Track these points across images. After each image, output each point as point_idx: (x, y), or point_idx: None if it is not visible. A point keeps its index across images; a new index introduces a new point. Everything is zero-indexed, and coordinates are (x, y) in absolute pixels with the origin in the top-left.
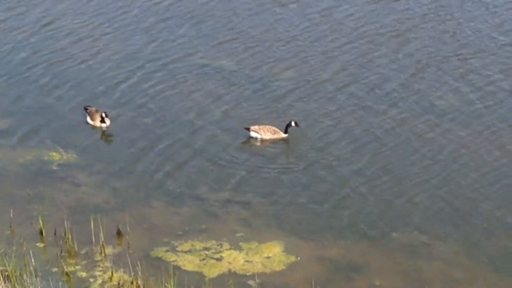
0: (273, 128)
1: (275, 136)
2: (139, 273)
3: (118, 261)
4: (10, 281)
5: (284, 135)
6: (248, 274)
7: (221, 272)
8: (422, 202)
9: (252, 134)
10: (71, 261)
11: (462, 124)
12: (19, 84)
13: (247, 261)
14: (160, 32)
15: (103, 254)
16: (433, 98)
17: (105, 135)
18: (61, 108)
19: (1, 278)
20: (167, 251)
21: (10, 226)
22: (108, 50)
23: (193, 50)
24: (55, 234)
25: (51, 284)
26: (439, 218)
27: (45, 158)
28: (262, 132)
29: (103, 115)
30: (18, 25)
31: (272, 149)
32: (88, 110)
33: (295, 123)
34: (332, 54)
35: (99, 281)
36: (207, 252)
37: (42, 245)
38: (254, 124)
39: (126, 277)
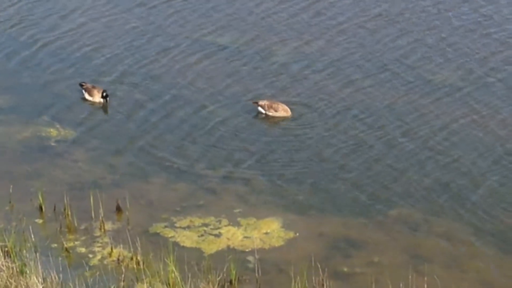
0: (280, 105)
1: (278, 114)
2: (139, 248)
3: (117, 237)
4: (10, 256)
5: (288, 114)
6: (247, 250)
7: (220, 248)
8: (422, 178)
9: (259, 109)
10: (71, 236)
11: (462, 99)
12: (16, 61)
13: (245, 237)
14: (156, 7)
15: (102, 230)
16: (433, 74)
17: (106, 110)
18: (57, 85)
19: (1, 254)
20: (166, 227)
21: (10, 202)
22: (104, 26)
23: (190, 25)
24: (54, 210)
25: (51, 259)
26: (438, 194)
27: (43, 134)
28: (267, 108)
29: (104, 94)
30: (12, 1)
31: (272, 126)
32: (84, 87)
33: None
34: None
35: (99, 256)
36: (205, 228)
37: (41, 221)
38: (264, 100)
39: (125, 252)
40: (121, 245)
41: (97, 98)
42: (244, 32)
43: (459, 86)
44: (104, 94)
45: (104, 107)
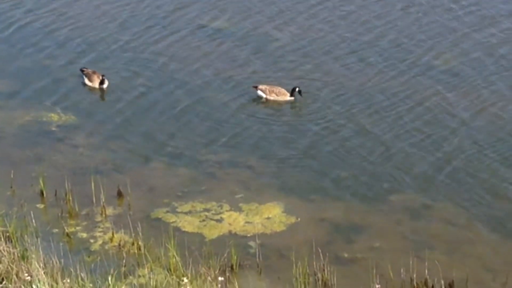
0: (281, 89)
1: (280, 98)
2: (140, 234)
3: (118, 222)
4: (11, 241)
5: (290, 98)
6: (248, 235)
7: (222, 233)
8: (423, 163)
9: (259, 92)
10: (72, 222)
11: (463, 84)
12: (16, 46)
13: (247, 222)
14: None
15: (103, 215)
16: (433, 59)
17: (104, 96)
18: (58, 70)
19: (2, 239)
20: (167, 212)
21: (11, 187)
22: (104, 11)
23: (199, 11)
24: (55, 195)
25: (52, 245)
26: (439, 179)
27: (44, 119)
28: (268, 92)
29: (102, 77)
30: None
31: (272, 110)
32: (85, 72)
33: (299, 91)
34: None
35: (100, 241)
36: (207, 213)
37: (42, 206)
38: (263, 83)
39: (126, 238)
40: (122, 230)
41: (97, 83)
42: (241, 16)
43: (466, 73)
44: (101, 79)
45: (101, 92)
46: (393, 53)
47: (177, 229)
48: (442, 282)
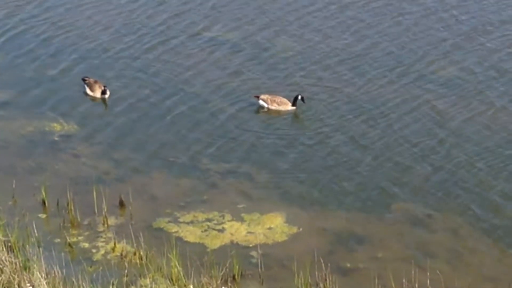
0: (282, 99)
1: (282, 108)
2: (142, 244)
3: (120, 232)
4: (13, 251)
5: (292, 108)
6: (250, 245)
7: (223, 243)
8: (425, 173)
9: (260, 102)
10: (74, 231)
11: (453, 93)
12: (19, 56)
13: (249, 232)
14: (158, 1)
15: (105, 225)
16: (437, 69)
17: (106, 106)
18: (60, 79)
19: (4, 249)
20: (169, 222)
21: (13, 197)
22: (106, 20)
23: (192, 20)
24: (57, 204)
25: (54, 254)
26: (441, 189)
27: (46, 129)
28: (269, 102)
29: (104, 87)
30: None
31: (274, 120)
32: (86, 81)
33: (301, 98)
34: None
35: (102, 251)
36: (209, 223)
37: (44, 215)
38: (265, 93)
39: (128, 247)
40: (124, 240)
41: (98, 93)
42: (234, 25)
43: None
44: (103, 89)
45: (104, 102)
46: (384, 62)
47: (179, 239)
48: None
